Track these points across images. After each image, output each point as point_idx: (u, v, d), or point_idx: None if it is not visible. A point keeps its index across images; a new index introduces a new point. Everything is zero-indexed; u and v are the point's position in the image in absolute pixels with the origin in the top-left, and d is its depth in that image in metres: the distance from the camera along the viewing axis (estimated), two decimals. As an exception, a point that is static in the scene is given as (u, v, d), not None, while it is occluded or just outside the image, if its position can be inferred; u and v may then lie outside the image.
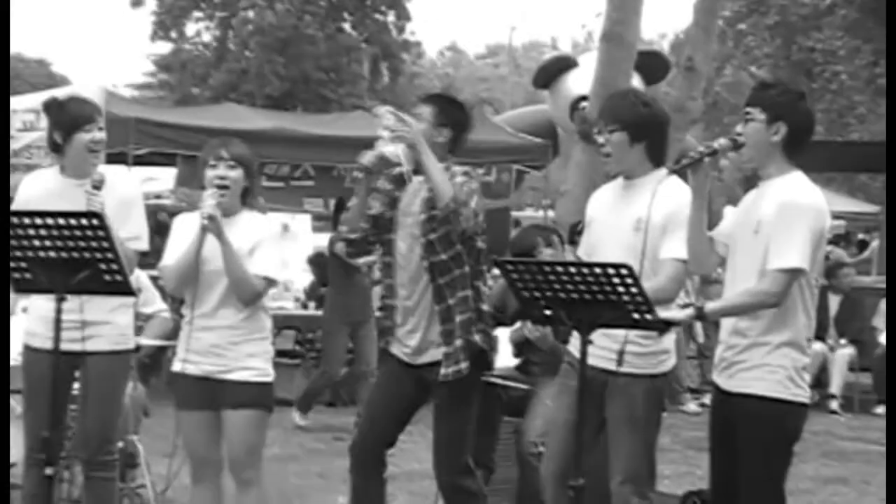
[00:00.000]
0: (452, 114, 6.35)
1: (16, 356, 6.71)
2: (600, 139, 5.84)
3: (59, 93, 8.36)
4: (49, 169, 6.50)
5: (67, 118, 6.33)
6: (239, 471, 6.07)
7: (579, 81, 14.02)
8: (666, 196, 5.50)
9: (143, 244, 6.30)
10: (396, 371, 6.34)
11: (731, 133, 5.41)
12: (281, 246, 6.25)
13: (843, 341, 14.39)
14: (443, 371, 6.17)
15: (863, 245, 23.35)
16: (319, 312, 14.22)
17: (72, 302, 5.69)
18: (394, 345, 6.34)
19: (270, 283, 6.05)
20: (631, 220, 5.67)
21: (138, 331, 7.93)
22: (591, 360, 5.17)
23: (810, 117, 5.44)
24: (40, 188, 6.39)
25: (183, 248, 5.97)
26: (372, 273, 11.84)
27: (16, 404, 7.29)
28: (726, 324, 5.42)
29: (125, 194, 6.33)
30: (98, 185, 6.13)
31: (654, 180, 5.62)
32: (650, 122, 5.80)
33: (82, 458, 6.61)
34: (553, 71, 15.72)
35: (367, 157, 6.13)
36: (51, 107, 6.45)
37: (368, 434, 6.38)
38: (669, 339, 5.68)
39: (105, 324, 6.25)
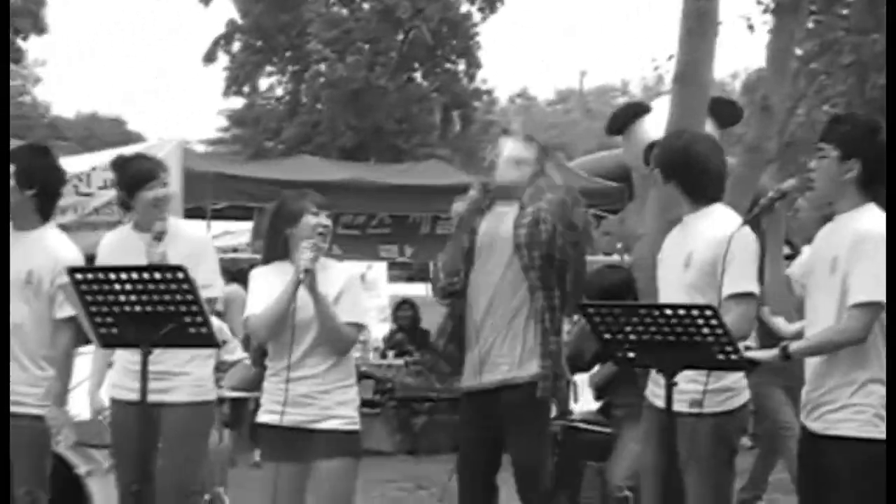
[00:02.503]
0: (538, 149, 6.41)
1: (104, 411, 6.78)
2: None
3: (135, 149, 8.49)
4: (126, 225, 6.59)
5: (130, 176, 6.47)
6: None
7: (654, 125, 14.01)
8: (714, 229, 5.57)
9: (215, 291, 6.36)
10: (471, 411, 6.30)
11: (805, 172, 5.38)
12: (362, 292, 6.30)
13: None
14: (540, 387, 6.20)
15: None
16: (399, 361, 14.29)
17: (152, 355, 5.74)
18: (464, 377, 6.30)
19: (360, 328, 6.09)
20: (682, 257, 5.72)
21: (218, 379, 8.00)
22: (660, 402, 5.15)
23: (884, 150, 5.31)
24: (115, 244, 6.53)
25: (273, 298, 5.94)
26: None
27: (103, 459, 7.36)
28: (810, 364, 5.36)
29: (195, 242, 6.42)
30: (159, 237, 6.25)
31: (704, 218, 5.74)
32: (688, 165, 5.86)
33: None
34: (626, 116, 15.67)
35: (460, 207, 6.18)
36: (116, 165, 6.59)
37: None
38: (734, 377, 5.63)
39: (183, 374, 6.29)
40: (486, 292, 6.24)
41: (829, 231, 5.32)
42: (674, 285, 5.66)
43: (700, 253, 5.61)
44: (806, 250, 5.63)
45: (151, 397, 5.73)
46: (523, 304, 6.19)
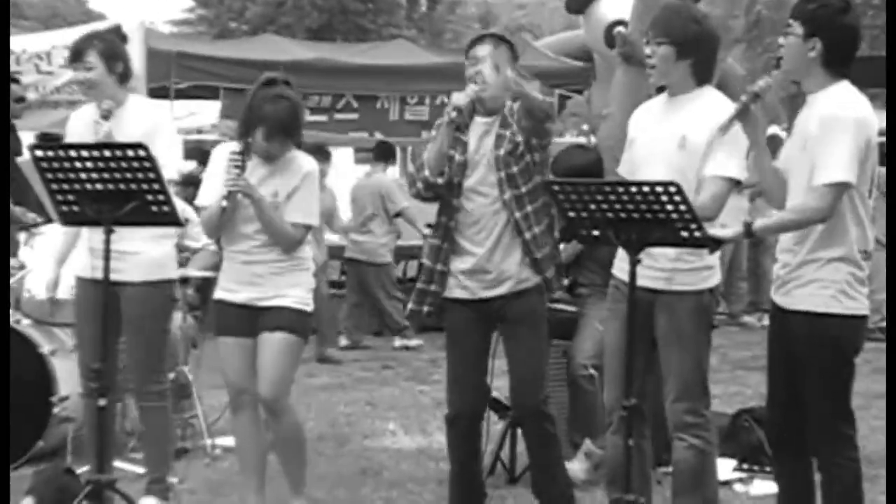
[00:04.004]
0: (512, 51, 6.27)
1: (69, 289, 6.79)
2: (647, 50, 5.76)
3: (97, 28, 8.35)
4: (91, 104, 6.52)
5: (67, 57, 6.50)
6: (270, 398, 6.10)
7: (613, 5, 13.91)
8: (709, 113, 5.46)
9: (170, 172, 6.19)
10: (462, 319, 6.27)
11: (772, 52, 5.35)
12: (317, 187, 6.27)
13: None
14: (539, 303, 6.18)
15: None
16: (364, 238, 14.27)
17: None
18: (452, 287, 6.26)
19: (308, 228, 6.13)
20: (675, 137, 5.61)
21: (184, 261, 7.98)
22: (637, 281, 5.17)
23: (851, 31, 5.29)
24: (80, 123, 6.49)
25: (214, 202, 6.04)
26: None
27: (66, 338, 7.37)
28: (781, 241, 5.39)
29: (151, 121, 6.35)
30: (106, 115, 6.24)
31: (700, 98, 5.60)
32: (699, 39, 5.69)
33: (132, 389, 6.69)
34: (585, -5, 15.57)
35: (460, 98, 6.04)
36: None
37: (465, 407, 6.26)
38: (713, 256, 5.65)
39: (139, 254, 6.27)
40: (480, 205, 6.15)
41: (804, 111, 5.32)
42: (662, 164, 5.56)
43: (697, 135, 5.50)
44: (777, 130, 5.61)
45: (113, 275, 5.72)
46: (509, 218, 6.13)
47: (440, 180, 6.09)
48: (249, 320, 6.11)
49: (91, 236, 6.26)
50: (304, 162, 6.19)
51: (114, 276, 5.71)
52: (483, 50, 6.14)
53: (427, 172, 6.12)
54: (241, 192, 5.96)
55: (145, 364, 6.44)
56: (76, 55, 6.42)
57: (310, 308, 6.21)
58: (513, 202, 6.06)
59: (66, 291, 6.86)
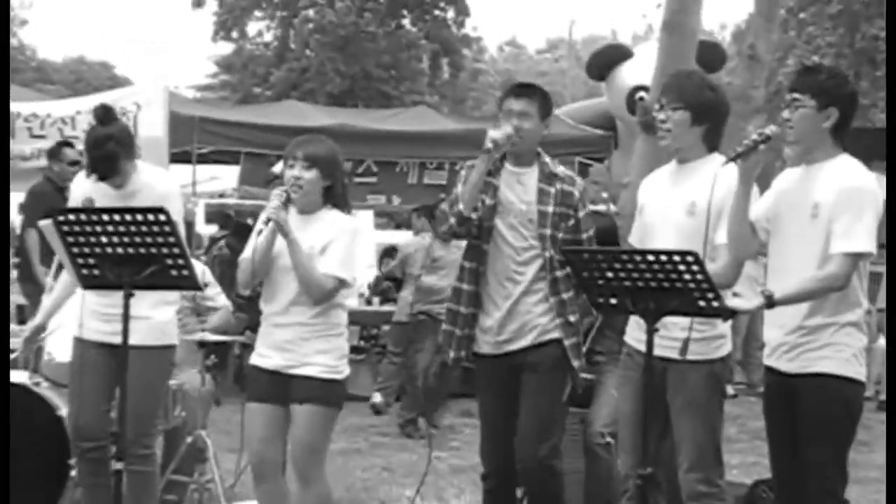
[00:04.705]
0: (548, 104, 6.32)
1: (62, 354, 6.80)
2: (661, 115, 5.80)
3: (121, 93, 8.47)
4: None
5: None
6: (300, 467, 6.06)
7: (635, 71, 13.98)
8: (724, 179, 5.48)
9: None
10: (489, 374, 6.29)
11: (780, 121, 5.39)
12: (355, 246, 6.23)
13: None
14: (575, 362, 6.19)
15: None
16: (384, 308, 14.28)
17: (114, 297, 5.77)
18: (478, 341, 6.25)
19: (342, 282, 6.07)
20: (684, 203, 5.65)
21: (201, 323, 8.00)
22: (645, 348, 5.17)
23: (857, 100, 5.47)
24: (80, 191, 6.55)
25: (253, 243, 6.03)
26: None
27: (62, 405, 7.36)
28: (788, 308, 5.38)
29: (161, 192, 6.37)
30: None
31: (709, 165, 5.63)
32: (714, 106, 5.78)
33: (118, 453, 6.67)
34: (607, 60, 15.68)
35: (497, 134, 6.04)
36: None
37: (502, 465, 6.29)
38: (725, 325, 5.66)
39: (142, 319, 6.28)
40: (508, 255, 6.17)
41: (803, 178, 5.36)
42: (672, 231, 5.61)
43: (706, 201, 5.51)
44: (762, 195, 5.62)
45: (114, 339, 5.75)
46: (542, 271, 6.15)
47: (474, 216, 6.10)
48: (279, 387, 6.05)
49: (93, 299, 6.29)
50: (342, 218, 6.18)
51: (117, 339, 5.71)
52: (524, 104, 6.20)
53: (462, 206, 6.10)
54: (276, 223, 5.90)
55: (135, 429, 6.40)
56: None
57: (342, 375, 6.12)
58: (552, 261, 6.10)
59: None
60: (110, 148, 6.33)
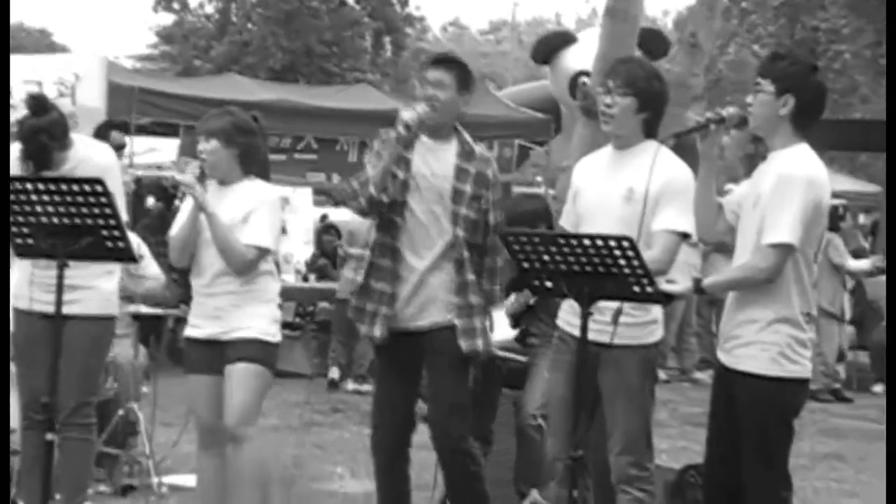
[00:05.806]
0: (468, 78, 6.30)
1: None
2: (607, 100, 5.79)
3: (59, 59, 8.38)
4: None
5: None
6: (233, 425, 6.08)
7: (579, 57, 14.00)
8: (662, 167, 5.51)
9: None
10: (393, 350, 6.29)
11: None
12: (277, 214, 6.26)
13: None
14: (464, 345, 6.15)
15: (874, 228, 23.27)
16: (320, 285, 14.28)
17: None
18: (386, 317, 6.22)
19: (263, 251, 6.09)
20: (622, 189, 5.67)
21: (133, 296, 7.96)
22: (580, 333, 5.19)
23: (820, 91, 5.39)
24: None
25: (181, 219, 6.08)
26: None
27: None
28: (728, 297, 5.43)
29: (99, 164, 6.33)
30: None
31: (646, 151, 5.62)
32: (659, 96, 5.80)
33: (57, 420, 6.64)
34: (552, 46, 15.66)
35: (411, 116, 6.02)
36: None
37: (391, 430, 6.33)
38: (658, 310, 5.69)
39: (89, 289, 6.27)
40: (419, 231, 6.17)
41: (763, 167, 5.37)
42: (608, 217, 5.62)
43: (643, 188, 5.51)
44: (735, 187, 5.64)
45: (62, 309, 5.72)
46: (450, 250, 6.15)
47: (385, 198, 6.10)
48: (216, 356, 6.10)
49: (40, 271, 6.22)
50: (262, 187, 6.23)
51: (64, 309, 5.67)
52: (440, 74, 6.16)
53: (372, 189, 6.10)
54: (193, 197, 6.01)
55: (78, 397, 6.39)
56: None
57: (275, 339, 6.19)
58: (459, 241, 6.12)
59: None
60: (42, 140, 6.28)
